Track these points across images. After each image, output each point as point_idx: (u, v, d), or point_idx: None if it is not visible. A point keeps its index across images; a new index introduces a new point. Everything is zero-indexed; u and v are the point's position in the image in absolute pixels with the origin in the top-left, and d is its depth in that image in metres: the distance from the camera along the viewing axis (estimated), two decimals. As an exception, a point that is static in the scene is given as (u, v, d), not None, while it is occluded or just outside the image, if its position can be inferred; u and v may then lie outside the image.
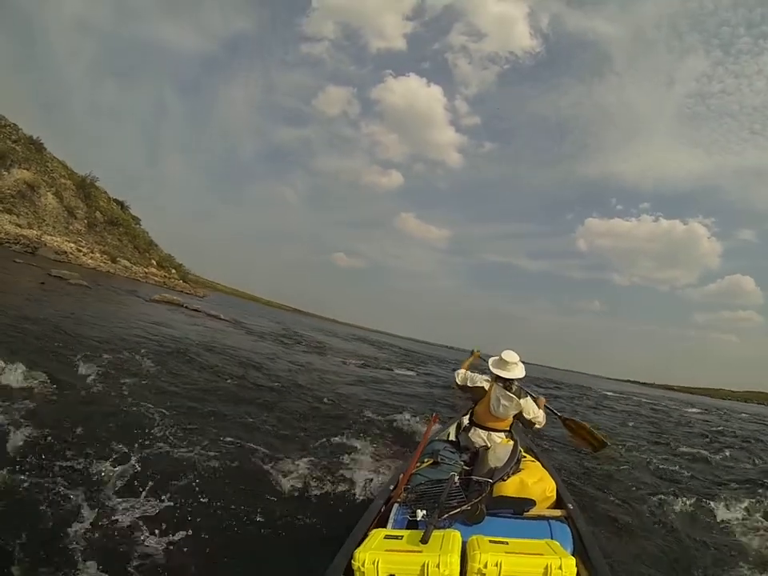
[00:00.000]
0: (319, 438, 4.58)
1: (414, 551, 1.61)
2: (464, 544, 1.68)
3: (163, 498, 2.77)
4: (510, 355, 3.20)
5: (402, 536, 1.74)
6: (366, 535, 1.80)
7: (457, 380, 3.41)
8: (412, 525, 2.00)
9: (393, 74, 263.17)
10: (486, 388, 3.23)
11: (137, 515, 2.56)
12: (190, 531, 2.49)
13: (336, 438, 4.61)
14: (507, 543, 1.65)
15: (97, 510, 2.53)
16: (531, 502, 2.26)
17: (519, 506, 2.23)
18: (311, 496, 3.28)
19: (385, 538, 1.73)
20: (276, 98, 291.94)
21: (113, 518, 2.51)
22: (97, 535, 2.34)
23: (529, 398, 3.26)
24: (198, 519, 2.64)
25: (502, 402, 3.11)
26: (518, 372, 3.18)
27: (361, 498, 3.21)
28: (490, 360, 3.33)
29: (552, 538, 1.84)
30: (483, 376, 3.35)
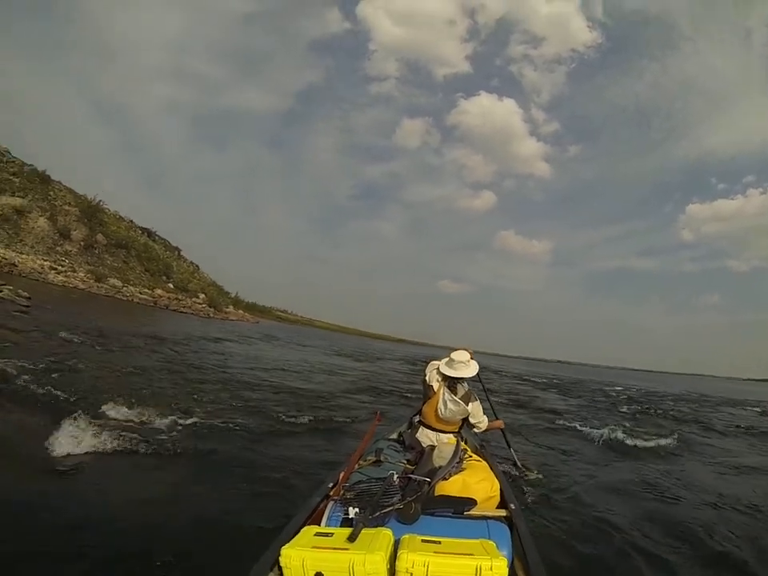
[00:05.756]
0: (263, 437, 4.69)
1: (341, 549, 1.57)
2: (397, 543, 1.66)
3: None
4: (459, 354, 3.09)
5: (333, 533, 1.70)
6: (298, 532, 1.75)
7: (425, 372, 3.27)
8: (346, 523, 1.95)
9: (464, 95, 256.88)
10: (436, 389, 3.08)
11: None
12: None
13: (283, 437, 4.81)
14: (440, 543, 1.62)
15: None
16: (472, 502, 2.21)
17: (460, 506, 2.17)
18: (247, 493, 3.25)
19: (315, 535, 1.70)
20: (358, 138, 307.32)
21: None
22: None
23: (477, 402, 3.15)
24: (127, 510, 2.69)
25: (449, 406, 3.01)
26: (466, 371, 3.05)
27: (300, 495, 2.96)
28: (442, 360, 3.18)
29: (489, 539, 1.77)
30: (437, 375, 3.14)
